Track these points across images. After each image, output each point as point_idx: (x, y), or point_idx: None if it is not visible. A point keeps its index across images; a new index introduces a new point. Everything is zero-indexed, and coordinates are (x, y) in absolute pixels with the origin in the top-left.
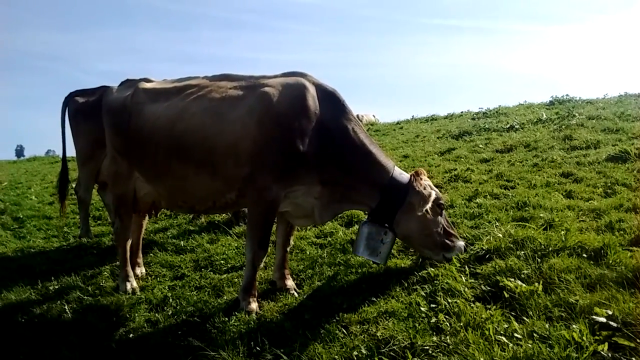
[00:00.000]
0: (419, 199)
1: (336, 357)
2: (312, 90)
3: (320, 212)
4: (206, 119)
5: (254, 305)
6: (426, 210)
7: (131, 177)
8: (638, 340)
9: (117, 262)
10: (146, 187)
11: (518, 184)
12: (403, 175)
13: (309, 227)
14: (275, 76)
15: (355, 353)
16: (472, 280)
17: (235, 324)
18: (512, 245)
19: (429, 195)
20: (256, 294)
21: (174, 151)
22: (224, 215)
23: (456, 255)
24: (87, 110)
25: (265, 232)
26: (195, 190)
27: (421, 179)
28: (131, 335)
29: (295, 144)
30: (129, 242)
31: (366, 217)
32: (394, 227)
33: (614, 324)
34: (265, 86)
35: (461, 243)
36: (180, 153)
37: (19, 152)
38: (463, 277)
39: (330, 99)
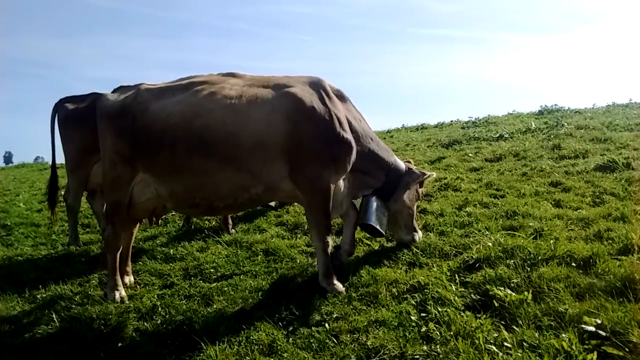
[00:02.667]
0: (416, 177)
1: None
2: (328, 86)
3: (347, 201)
4: (227, 115)
5: (340, 287)
6: (417, 191)
7: (131, 182)
8: (627, 349)
9: (106, 271)
10: (149, 191)
11: (507, 193)
12: (398, 159)
13: (298, 236)
14: (287, 77)
15: None
16: (462, 289)
17: (225, 333)
18: (501, 254)
19: (429, 175)
20: (334, 276)
21: (194, 147)
22: (214, 222)
23: (416, 241)
24: (77, 116)
25: (328, 218)
26: (218, 185)
27: (413, 165)
28: (120, 344)
29: (334, 133)
30: (120, 250)
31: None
32: (389, 204)
33: (603, 333)
34: (287, 85)
35: (420, 233)
36: (202, 149)
37: (8, 158)
38: (453, 286)
39: (341, 96)
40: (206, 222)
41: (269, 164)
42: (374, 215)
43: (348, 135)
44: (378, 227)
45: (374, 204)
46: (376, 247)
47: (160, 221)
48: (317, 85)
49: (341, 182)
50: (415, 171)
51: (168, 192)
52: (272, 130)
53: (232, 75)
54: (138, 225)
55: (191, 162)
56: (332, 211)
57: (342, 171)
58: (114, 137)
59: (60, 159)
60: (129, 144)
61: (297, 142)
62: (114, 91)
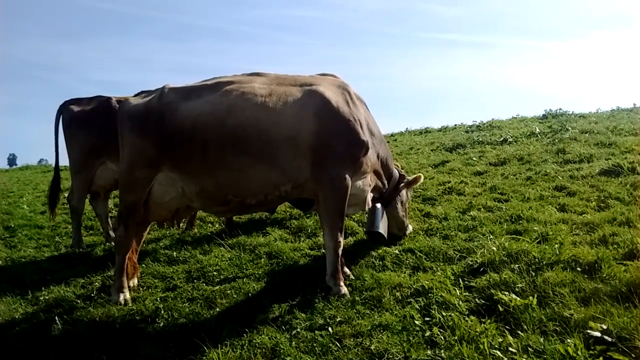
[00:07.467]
0: (408, 182)
1: None
2: (351, 89)
3: (369, 199)
4: (260, 113)
5: (344, 289)
6: (407, 195)
7: (149, 183)
8: (633, 355)
9: (109, 273)
10: (173, 190)
11: (512, 197)
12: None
13: (302, 239)
14: (312, 76)
15: None
16: (467, 294)
17: (228, 336)
18: (506, 258)
19: (419, 179)
20: (342, 277)
21: (227, 145)
22: (217, 225)
23: (407, 235)
24: (82, 119)
25: (343, 219)
26: (250, 182)
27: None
28: (122, 346)
29: (356, 134)
30: (129, 253)
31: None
32: (389, 209)
33: (609, 339)
34: (314, 83)
35: (411, 227)
36: (235, 146)
37: (12, 160)
38: (457, 291)
39: (360, 99)
40: (209, 225)
41: (298, 160)
42: (381, 223)
43: (367, 138)
44: (384, 233)
45: (380, 212)
46: (379, 251)
47: (181, 224)
48: (341, 87)
49: (361, 182)
50: (406, 176)
51: (197, 189)
52: (302, 127)
53: (258, 74)
54: (148, 228)
55: (224, 160)
56: (353, 208)
57: (360, 172)
58: (137, 138)
59: (65, 160)
60: (155, 144)
61: (322, 140)
62: (136, 95)
